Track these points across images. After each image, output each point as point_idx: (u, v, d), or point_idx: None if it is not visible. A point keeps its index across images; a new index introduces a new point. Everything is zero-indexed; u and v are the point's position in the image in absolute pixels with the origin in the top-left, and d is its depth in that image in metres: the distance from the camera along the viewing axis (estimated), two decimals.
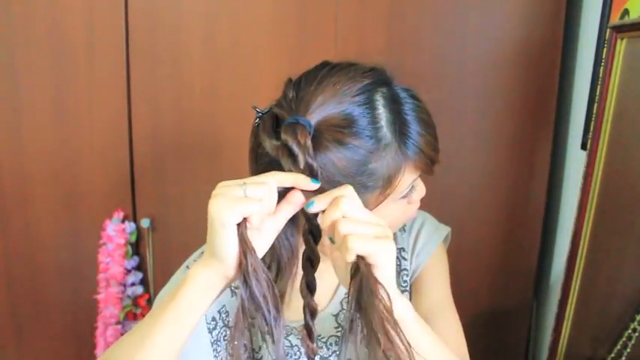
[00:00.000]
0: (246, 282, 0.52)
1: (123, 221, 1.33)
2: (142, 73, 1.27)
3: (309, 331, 0.57)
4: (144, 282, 1.37)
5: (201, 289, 0.55)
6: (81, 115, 1.29)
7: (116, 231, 1.31)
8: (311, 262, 0.57)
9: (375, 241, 0.52)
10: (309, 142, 0.56)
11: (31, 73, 1.26)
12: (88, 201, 1.33)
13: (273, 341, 0.54)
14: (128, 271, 1.35)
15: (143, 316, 1.37)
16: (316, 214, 0.56)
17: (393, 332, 0.51)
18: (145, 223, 1.33)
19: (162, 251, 1.36)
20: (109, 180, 1.32)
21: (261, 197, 0.52)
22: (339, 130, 0.58)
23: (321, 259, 0.58)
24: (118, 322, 1.35)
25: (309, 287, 0.58)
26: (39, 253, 1.36)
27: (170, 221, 1.35)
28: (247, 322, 0.54)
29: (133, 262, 1.35)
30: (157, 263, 1.36)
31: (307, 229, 0.56)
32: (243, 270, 0.52)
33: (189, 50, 1.26)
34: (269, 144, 0.58)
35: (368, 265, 0.52)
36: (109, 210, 1.32)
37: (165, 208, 1.35)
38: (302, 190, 0.56)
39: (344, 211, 0.52)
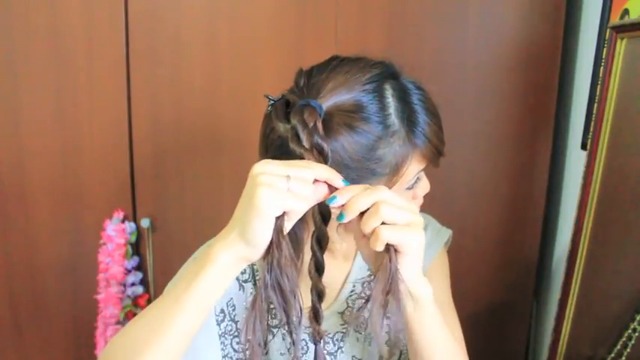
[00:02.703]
0: (271, 271, 0.53)
1: (123, 221, 1.33)
2: (142, 73, 1.27)
3: (315, 313, 0.58)
4: (144, 282, 1.37)
5: (222, 270, 0.55)
6: (81, 115, 1.29)
7: (116, 231, 1.31)
8: (319, 242, 0.58)
9: (404, 229, 0.53)
10: (319, 124, 0.57)
11: (31, 73, 1.26)
12: (88, 201, 1.33)
13: (292, 332, 0.55)
14: (128, 271, 1.34)
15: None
16: None
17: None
18: (145, 223, 1.33)
19: (162, 251, 1.36)
20: (109, 180, 1.32)
21: (305, 196, 0.53)
22: (349, 114, 0.59)
23: (326, 258, 0.59)
24: (118, 322, 1.35)
25: (318, 268, 0.58)
26: (39, 253, 1.36)
27: (170, 221, 1.35)
28: (261, 310, 0.54)
29: (133, 262, 1.35)
30: (156, 263, 1.36)
31: (317, 209, 0.57)
32: (269, 260, 0.53)
33: (189, 50, 1.26)
34: (282, 127, 0.60)
35: (394, 253, 0.53)
36: (109, 210, 1.32)
37: (165, 208, 1.35)
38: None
39: (383, 212, 0.52)
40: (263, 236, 0.53)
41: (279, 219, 0.53)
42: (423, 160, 0.65)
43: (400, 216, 0.53)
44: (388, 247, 0.53)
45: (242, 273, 0.76)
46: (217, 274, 0.55)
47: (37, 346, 1.41)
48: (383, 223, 0.53)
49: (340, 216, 0.54)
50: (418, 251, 0.55)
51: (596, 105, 0.94)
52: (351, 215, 0.53)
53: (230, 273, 0.56)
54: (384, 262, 0.53)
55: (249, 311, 0.55)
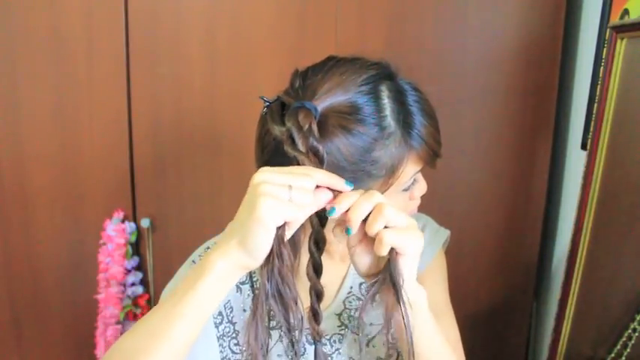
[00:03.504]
0: (271, 280, 0.53)
1: (123, 221, 1.33)
2: (142, 73, 1.27)
3: (314, 314, 0.58)
4: (144, 282, 1.37)
5: (220, 278, 0.54)
6: (81, 116, 1.29)
7: (116, 231, 1.31)
8: (317, 244, 0.58)
9: (406, 232, 0.54)
10: (314, 126, 0.57)
11: (32, 74, 1.26)
12: (88, 201, 1.33)
13: (293, 339, 0.55)
14: (128, 271, 1.34)
15: (143, 315, 1.37)
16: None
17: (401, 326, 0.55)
18: (145, 223, 1.33)
19: (163, 251, 1.36)
20: (109, 180, 1.32)
21: (306, 204, 0.53)
22: (345, 116, 0.59)
23: (323, 259, 0.59)
24: (118, 322, 1.35)
25: (316, 270, 0.58)
26: (39, 253, 1.36)
27: (170, 221, 1.35)
28: (262, 318, 0.54)
29: (133, 262, 1.35)
30: (156, 263, 1.36)
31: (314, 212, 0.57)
32: (269, 269, 0.53)
33: (189, 50, 1.26)
34: (277, 130, 0.59)
35: (397, 256, 0.54)
36: (109, 210, 1.32)
37: (165, 208, 1.35)
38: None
39: (386, 216, 0.53)
40: (264, 246, 0.52)
41: (280, 228, 0.53)
42: (420, 161, 0.65)
43: (401, 219, 0.53)
44: (390, 250, 0.54)
45: None
46: (215, 283, 0.54)
47: (37, 346, 1.41)
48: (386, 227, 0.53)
49: (347, 230, 0.55)
50: (417, 254, 0.55)
51: (596, 105, 0.94)
52: (356, 227, 0.54)
53: (228, 281, 0.55)
54: (383, 265, 0.54)
55: (249, 318, 0.55)
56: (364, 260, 0.58)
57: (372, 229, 0.53)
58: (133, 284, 1.35)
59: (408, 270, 0.55)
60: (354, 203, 0.54)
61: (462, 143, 1.28)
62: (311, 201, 0.53)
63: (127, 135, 1.30)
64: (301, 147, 0.56)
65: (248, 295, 0.74)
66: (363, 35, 1.24)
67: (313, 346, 0.74)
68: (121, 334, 1.35)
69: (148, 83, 1.27)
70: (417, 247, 0.55)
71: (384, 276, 0.54)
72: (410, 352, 0.58)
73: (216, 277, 0.54)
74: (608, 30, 0.93)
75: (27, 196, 1.33)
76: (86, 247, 1.35)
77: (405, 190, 0.67)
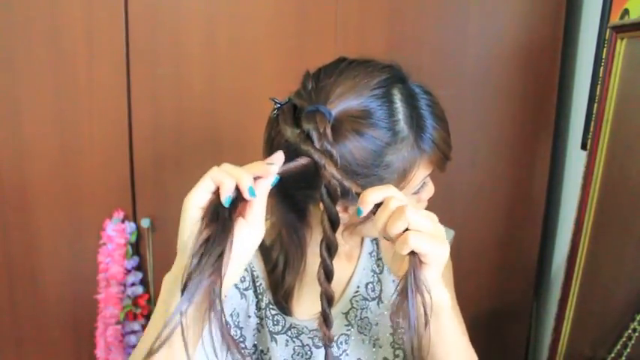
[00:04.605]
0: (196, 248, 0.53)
1: (123, 221, 1.33)
2: (142, 73, 1.27)
3: (325, 318, 0.58)
4: (144, 282, 1.37)
5: (166, 294, 0.55)
6: (81, 116, 1.29)
7: (116, 231, 1.31)
8: (329, 249, 0.58)
9: (433, 240, 0.52)
10: (328, 130, 0.56)
11: (32, 74, 1.26)
12: (88, 201, 1.33)
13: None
14: (128, 271, 1.34)
15: (143, 315, 1.37)
16: (334, 202, 0.56)
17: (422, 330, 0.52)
18: (145, 223, 1.33)
19: (162, 251, 1.36)
20: (109, 180, 1.32)
21: (230, 170, 0.56)
22: (358, 120, 0.59)
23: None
24: (118, 322, 1.35)
25: (327, 275, 0.58)
26: (39, 253, 1.36)
27: (170, 221, 1.35)
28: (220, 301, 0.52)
29: (133, 262, 1.35)
30: (156, 263, 1.36)
31: (326, 216, 0.57)
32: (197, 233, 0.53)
33: (189, 50, 1.26)
34: (290, 133, 0.58)
35: (418, 262, 0.52)
36: (109, 210, 1.32)
37: (165, 208, 1.35)
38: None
39: (408, 218, 0.51)
40: (189, 227, 0.55)
41: (210, 200, 0.54)
42: (431, 165, 0.64)
43: (425, 224, 0.52)
44: (413, 254, 0.52)
45: (242, 281, 0.75)
46: (164, 302, 0.55)
47: (37, 346, 1.41)
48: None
49: (358, 210, 0.54)
50: (441, 263, 0.53)
51: (596, 105, 0.94)
52: (367, 208, 0.53)
53: (172, 297, 0.55)
54: (406, 269, 0.52)
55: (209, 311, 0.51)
56: (397, 262, 0.57)
57: (392, 229, 0.52)
58: (132, 284, 1.35)
59: (429, 276, 0.53)
60: (368, 189, 0.54)
61: (463, 143, 1.28)
62: (224, 166, 0.55)
63: (127, 135, 1.30)
64: (320, 148, 0.56)
65: (252, 300, 0.74)
66: (363, 35, 1.24)
67: (319, 349, 0.74)
68: (122, 334, 1.36)
69: (148, 83, 1.27)
70: (441, 256, 0.53)
71: (406, 282, 0.52)
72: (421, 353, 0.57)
73: (163, 294, 0.55)
74: (608, 30, 0.93)
75: (27, 196, 1.33)
76: (86, 247, 1.35)
77: (415, 193, 0.66)
